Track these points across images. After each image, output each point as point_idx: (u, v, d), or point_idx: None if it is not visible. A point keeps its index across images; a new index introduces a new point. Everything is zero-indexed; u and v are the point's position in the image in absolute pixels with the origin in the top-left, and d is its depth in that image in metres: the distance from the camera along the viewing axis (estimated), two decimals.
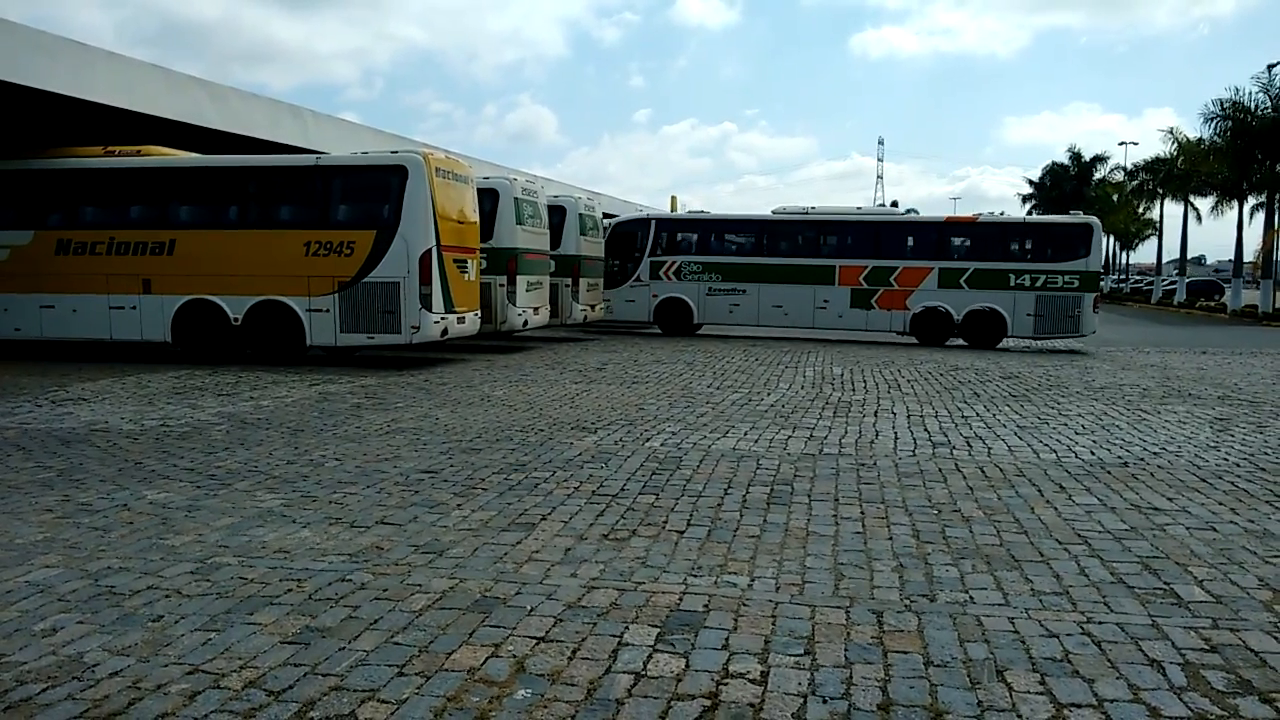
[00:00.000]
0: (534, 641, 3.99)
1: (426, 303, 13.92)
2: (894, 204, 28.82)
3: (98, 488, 6.68)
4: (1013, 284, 20.37)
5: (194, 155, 15.90)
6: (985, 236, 21.30)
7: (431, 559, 5.10)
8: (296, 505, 6.22)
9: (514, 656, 3.85)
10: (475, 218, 15.57)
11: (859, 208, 24.01)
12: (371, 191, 14.61)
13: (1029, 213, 61.20)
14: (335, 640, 4.01)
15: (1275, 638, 4.10)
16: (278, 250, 14.39)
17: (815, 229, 22.49)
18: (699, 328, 23.33)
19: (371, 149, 18.20)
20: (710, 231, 23.50)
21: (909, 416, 10.24)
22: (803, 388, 12.76)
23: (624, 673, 3.70)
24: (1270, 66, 36.98)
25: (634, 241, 23.27)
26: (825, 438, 8.88)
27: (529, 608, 4.37)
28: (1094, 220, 21.16)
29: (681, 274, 22.77)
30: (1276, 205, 37.86)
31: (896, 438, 8.93)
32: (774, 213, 23.38)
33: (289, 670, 3.72)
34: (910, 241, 21.72)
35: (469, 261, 15.23)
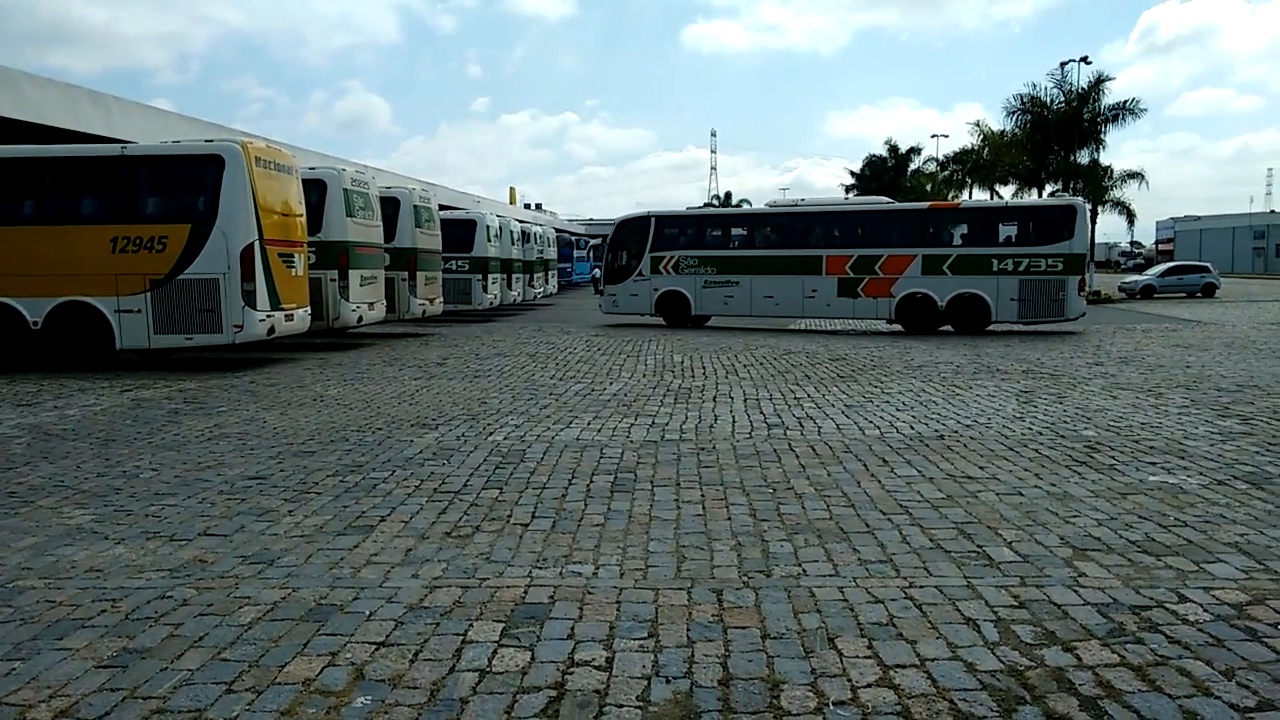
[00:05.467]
0: (373, 647, 3.88)
1: (250, 300, 13.26)
2: (728, 195, 29.86)
3: None
4: (995, 269, 20.20)
5: None
6: (968, 221, 21.60)
7: (261, 569, 4.86)
8: (109, 520, 5.80)
9: (352, 664, 3.73)
10: (301, 209, 14.95)
11: (845, 198, 24.44)
12: (185, 183, 13.79)
13: None
14: (156, 661, 3.77)
15: (1075, 592, 4.47)
16: (80, 247, 13.36)
17: (802, 221, 22.70)
18: (702, 320, 23.48)
19: (185, 138, 17.12)
20: (706, 226, 24.07)
21: (746, 400, 10.56)
22: (644, 376, 12.94)
23: (468, 671, 3.66)
24: (1063, 64, 40.24)
25: (636, 237, 23.53)
26: (666, 424, 9.03)
27: (368, 613, 4.24)
28: (1078, 201, 21.49)
29: (680, 268, 23.00)
30: (1072, 192, 41.19)
31: (734, 421, 9.19)
32: (767, 206, 23.94)
33: (105, 696, 3.48)
34: (894, 229, 21.64)
35: (296, 255, 14.60)
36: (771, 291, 22.15)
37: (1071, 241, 20.08)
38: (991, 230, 20.92)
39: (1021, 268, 20.15)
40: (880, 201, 24.46)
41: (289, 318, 14.29)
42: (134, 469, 7.23)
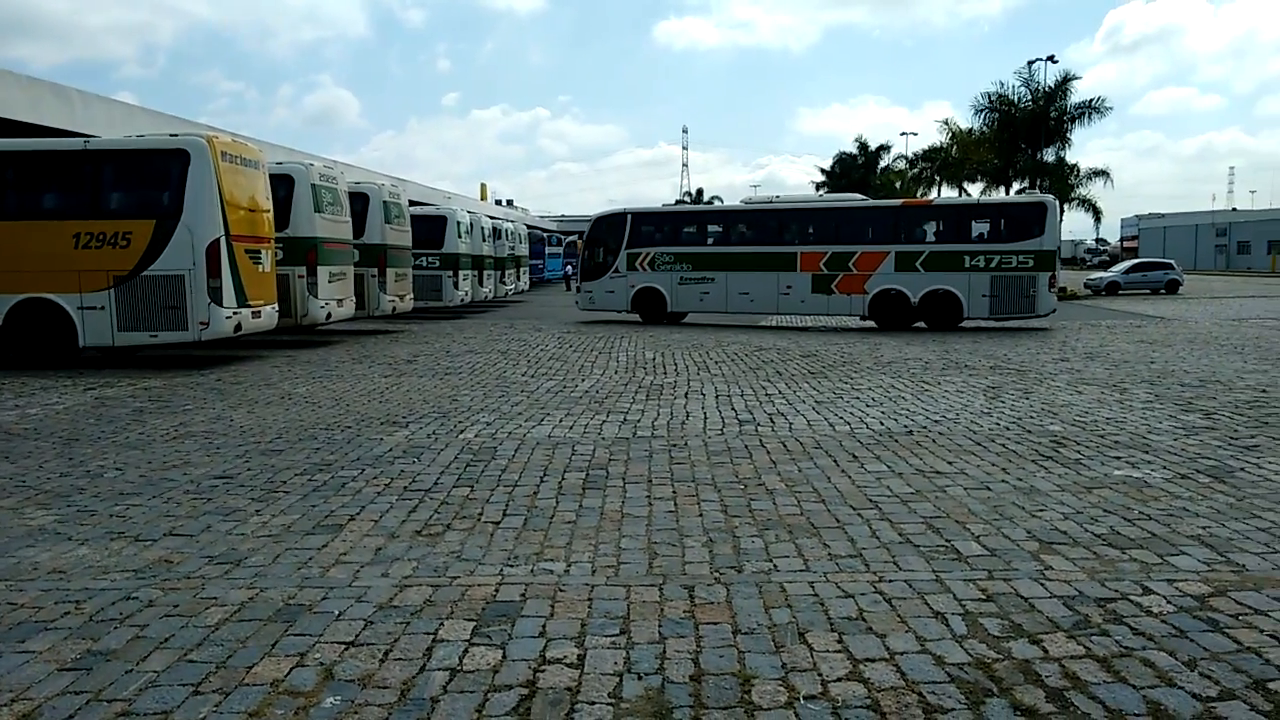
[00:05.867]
0: (343, 647, 3.85)
1: (216, 296, 13.09)
2: (699, 191, 30.10)
3: None
4: (967, 265, 20.29)
5: None
6: (940, 219, 21.72)
7: (228, 569, 4.81)
8: (72, 521, 5.71)
9: (321, 664, 3.69)
10: (268, 205, 14.78)
11: (819, 195, 24.49)
12: (149, 178, 13.59)
13: None
14: (121, 663, 3.72)
15: (1042, 585, 4.52)
16: (42, 243, 13.12)
17: (777, 218, 22.74)
18: (679, 316, 23.52)
19: (150, 132, 16.88)
20: (681, 223, 24.20)
21: (717, 397, 10.59)
22: (616, 373, 12.93)
23: (439, 670, 3.64)
24: (1030, 63, 40.63)
25: (613, 234, 23.56)
26: (638, 421, 9.04)
27: (337, 612, 4.21)
28: (1049, 199, 21.44)
29: (655, 264, 23.03)
30: (1040, 190, 41.64)
31: (706, 418, 9.20)
32: (743, 203, 24.21)
33: (69, 699, 3.42)
34: (867, 226, 21.71)
35: (263, 252, 14.44)
36: (747, 288, 22.20)
37: (1042, 238, 20.21)
38: (964, 227, 21.07)
39: (993, 264, 20.26)
40: (854, 199, 24.52)
41: (256, 315, 14.13)
42: (98, 469, 7.12)
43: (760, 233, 22.70)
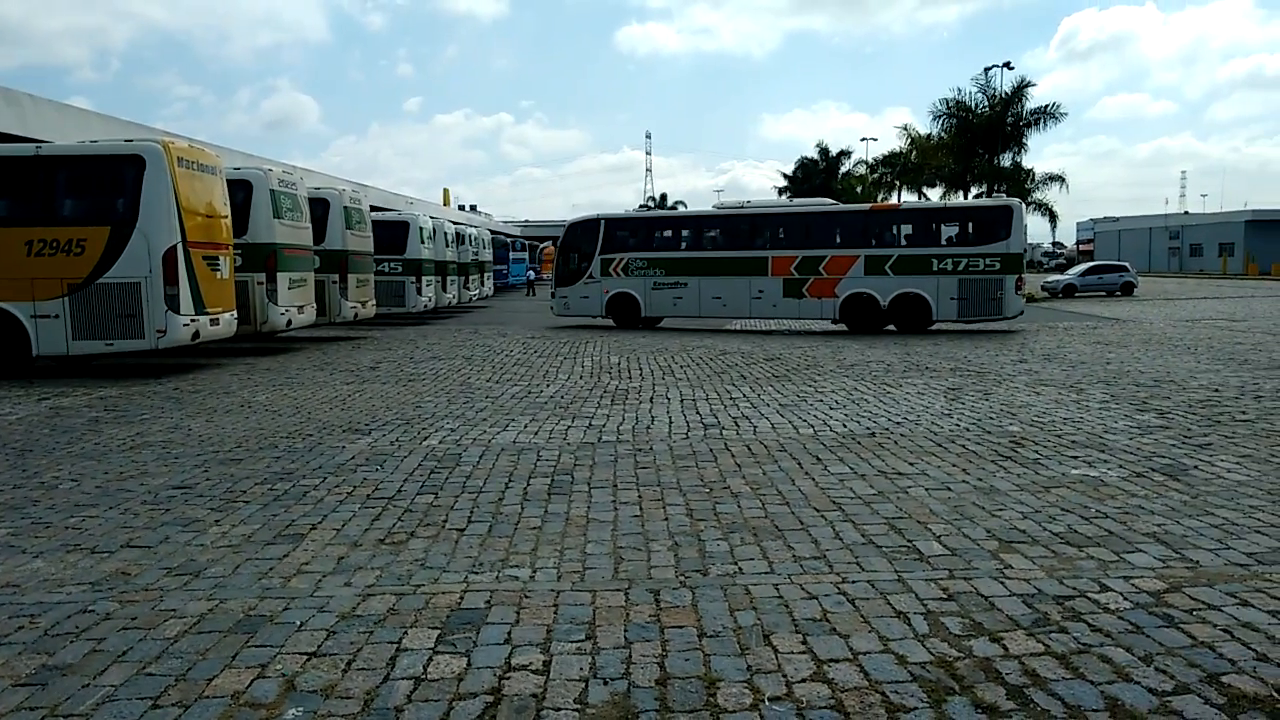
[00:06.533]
0: (305, 657, 3.81)
1: (173, 304, 12.90)
2: (663, 196, 30.23)
3: None
4: (935, 269, 20.48)
5: None
6: (909, 222, 21.91)
7: (187, 581, 4.74)
8: (26, 534, 5.59)
9: (283, 675, 3.65)
10: (226, 211, 14.59)
11: (789, 199, 24.54)
12: (104, 184, 13.36)
13: None
14: (78, 677, 3.65)
15: (1002, 583, 4.59)
16: None
17: (748, 222, 22.85)
18: (653, 321, 23.59)
19: (104, 137, 16.60)
20: (654, 228, 24.41)
21: (682, 401, 10.61)
22: (581, 378, 12.92)
23: (403, 679, 3.61)
24: (987, 69, 41.20)
25: (587, 240, 23.62)
26: (604, 426, 9.03)
27: (298, 623, 4.16)
28: (1015, 202, 21.56)
29: (629, 270, 23.12)
30: (1001, 194, 42.22)
31: (671, 422, 9.22)
32: (714, 208, 24.29)
33: (23, 715, 3.36)
34: (836, 230, 21.94)
35: (221, 258, 14.25)
36: (719, 293, 22.33)
37: (1009, 241, 20.44)
38: (932, 231, 21.32)
39: (960, 267, 20.47)
40: (824, 203, 24.72)
41: (214, 322, 13.94)
42: (52, 480, 6.98)
43: (732, 237, 22.83)
